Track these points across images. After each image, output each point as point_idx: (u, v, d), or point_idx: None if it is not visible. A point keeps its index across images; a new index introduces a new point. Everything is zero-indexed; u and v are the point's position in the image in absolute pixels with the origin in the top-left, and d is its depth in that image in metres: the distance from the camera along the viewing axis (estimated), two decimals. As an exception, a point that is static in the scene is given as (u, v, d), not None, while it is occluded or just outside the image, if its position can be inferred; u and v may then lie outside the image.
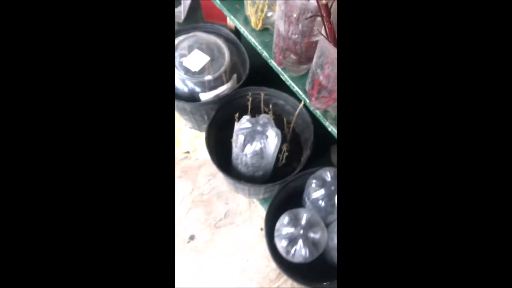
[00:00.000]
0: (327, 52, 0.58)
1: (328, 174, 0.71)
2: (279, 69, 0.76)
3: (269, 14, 0.77)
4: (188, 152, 1.29)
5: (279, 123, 0.94)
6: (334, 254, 0.72)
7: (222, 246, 1.13)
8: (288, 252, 0.66)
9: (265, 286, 1.07)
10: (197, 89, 0.88)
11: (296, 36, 0.66)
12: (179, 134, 1.24)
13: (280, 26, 0.66)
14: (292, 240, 0.66)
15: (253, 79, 0.95)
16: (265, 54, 0.79)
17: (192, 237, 1.14)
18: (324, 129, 0.71)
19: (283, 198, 0.83)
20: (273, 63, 0.77)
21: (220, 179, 1.25)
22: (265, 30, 0.81)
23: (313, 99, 0.69)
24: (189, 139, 1.25)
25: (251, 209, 1.18)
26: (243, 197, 1.20)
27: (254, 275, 1.08)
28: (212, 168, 1.15)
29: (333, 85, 0.63)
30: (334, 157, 1.01)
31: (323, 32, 0.56)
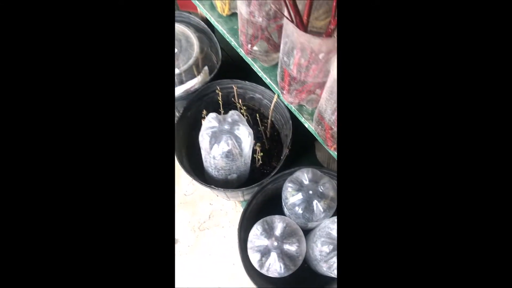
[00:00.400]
0: (292, 36, 0.49)
1: (306, 176, 0.63)
2: (249, 59, 0.67)
3: (234, -4, 0.68)
4: (170, 151, 1.22)
5: (256, 119, 0.86)
6: (316, 265, 0.65)
7: (207, 249, 1.07)
8: (262, 265, 0.59)
9: (253, 291, 1.02)
10: (164, 84, 0.80)
11: (261, 19, 0.57)
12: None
13: (242, 8, 0.57)
14: (265, 253, 0.59)
15: (228, 71, 0.87)
16: (233, 42, 0.70)
17: (175, 241, 1.08)
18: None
19: (261, 202, 0.76)
20: (242, 53, 0.68)
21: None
22: (234, 16, 0.72)
23: (284, 92, 0.60)
24: (170, 137, 1.17)
25: (236, 209, 1.11)
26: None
27: (242, 279, 1.03)
28: (194, 168, 1.08)
29: (305, 75, 0.54)
30: (319, 154, 0.93)
31: (285, 12, 0.47)
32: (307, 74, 0.53)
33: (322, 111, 0.52)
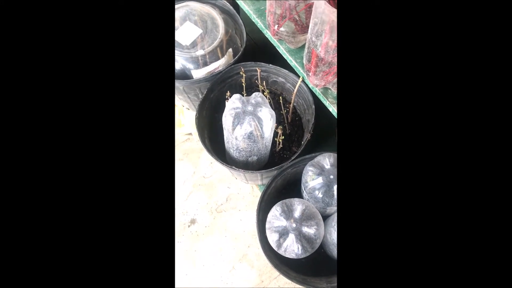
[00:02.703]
0: (324, 16, 0.48)
1: (327, 161, 0.63)
2: (275, 40, 0.67)
3: (263, -25, 0.67)
4: (190, 134, 1.24)
5: (279, 103, 0.85)
6: (332, 249, 0.65)
7: (223, 231, 1.09)
8: (279, 246, 0.60)
9: (266, 273, 1.03)
10: (189, 65, 0.81)
11: (291, -2, 0.56)
12: (181, 115, 1.18)
13: (272, -13, 0.56)
14: (283, 234, 0.60)
15: (252, 54, 0.86)
16: (260, 24, 0.69)
17: (193, 221, 1.12)
18: (330, 111, 0.62)
19: (280, 186, 0.76)
20: (268, 34, 0.68)
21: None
22: (261, -4, 0.71)
23: (311, 74, 0.59)
24: (191, 121, 1.20)
25: (253, 194, 1.13)
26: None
27: (255, 261, 1.05)
28: (213, 151, 1.10)
29: (333, 57, 0.53)
30: (341, 141, 0.91)
31: (318, -10, 0.46)
32: (335, 55, 0.51)
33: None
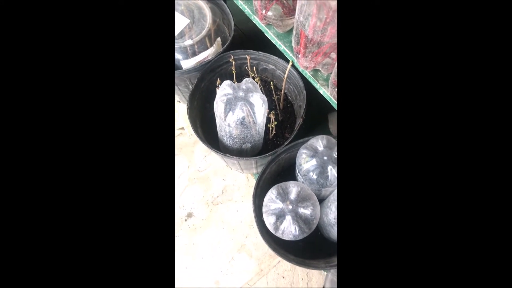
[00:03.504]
0: (310, -5, 0.48)
1: (320, 143, 0.64)
2: (263, 26, 0.67)
3: (248, -41, 0.66)
4: (182, 128, 1.23)
5: (269, 90, 0.85)
6: (330, 230, 0.66)
7: (220, 223, 1.09)
8: (276, 228, 0.61)
9: (265, 262, 1.04)
10: (178, 56, 0.80)
11: (276, -20, 0.56)
12: (172, 109, 1.17)
13: (257, -31, 0.56)
14: (280, 216, 0.60)
15: (241, 43, 0.86)
16: (247, 10, 0.69)
17: (189, 215, 1.11)
18: (321, 96, 0.63)
19: (275, 172, 0.76)
20: (256, 20, 0.68)
21: (216, 156, 1.19)
22: (246, -18, 0.70)
23: (300, 56, 0.60)
24: (183, 114, 1.19)
25: (248, 184, 1.13)
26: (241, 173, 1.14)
27: (253, 251, 1.05)
28: (207, 143, 1.10)
29: (321, 37, 0.53)
30: (332, 127, 0.92)
31: (302, -32, 0.46)
32: (324, 35, 0.52)
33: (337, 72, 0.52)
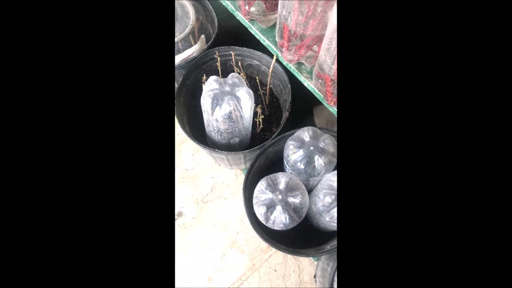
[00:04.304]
0: (291, -11, 0.50)
1: (307, 134, 0.65)
2: (247, 21, 0.68)
3: (229, -44, 0.67)
4: (168, 128, 1.23)
5: (255, 86, 0.87)
6: (318, 219, 0.68)
7: (211, 220, 1.10)
8: (267, 219, 0.62)
9: (257, 257, 1.05)
10: (162, 54, 0.80)
11: (258, -24, 0.57)
12: (157, 109, 1.16)
13: (239, -35, 0.57)
14: (270, 206, 0.62)
15: (225, 40, 0.87)
16: (230, 6, 0.70)
17: (179, 214, 1.11)
18: (305, 90, 0.64)
19: (264, 165, 0.78)
20: (239, 16, 0.69)
21: (204, 154, 1.20)
22: (229, -21, 0.72)
23: (284, 50, 0.61)
24: (168, 114, 1.18)
25: (238, 181, 1.14)
26: (229, 169, 1.15)
27: (245, 247, 1.06)
28: (194, 142, 1.10)
29: (304, 30, 0.55)
30: (317, 120, 0.95)
31: (283, -37, 0.47)
32: (306, 28, 0.54)
33: (321, 63, 0.54)
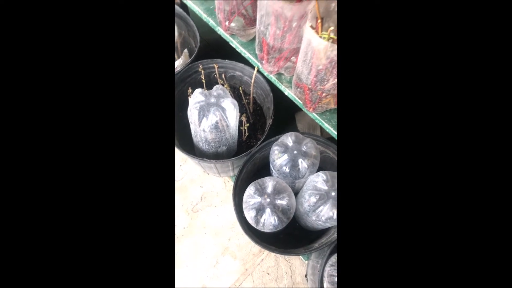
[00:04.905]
0: (268, 8, 0.54)
1: (290, 139, 0.70)
2: (227, 36, 0.72)
3: (209, -24, 0.72)
4: (155, 140, 1.24)
5: (239, 96, 0.91)
6: (306, 219, 0.71)
7: (202, 229, 1.11)
8: (257, 222, 0.65)
9: (249, 262, 1.07)
10: (147, 69, 0.83)
11: (237, -5, 0.61)
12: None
13: (218, -14, 0.61)
14: (260, 210, 0.65)
15: (207, 53, 0.90)
16: (211, 22, 0.74)
17: (170, 225, 1.12)
18: (287, 97, 0.69)
19: (252, 170, 0.81)
20: (220, 31, 0.73)
21: (192, 164, 1.22)
22: (209, -4, 0.76)
23: (264, 62, 0.65)
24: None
25: (227, 188, 1.16)
26: (218, 178, 1.17)
27: (237, 252, 1.08)
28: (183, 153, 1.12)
29: (281, 44, 0.59)
30: (300, 125, 0.99)
31: (259, -16, 0.52)
32: (284, 42, 0.58)
33: (299, 73, 0.58)
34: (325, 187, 0.64)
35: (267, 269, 1.08)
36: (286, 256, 1.09)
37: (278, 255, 1.09)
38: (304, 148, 0.69)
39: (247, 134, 0.84)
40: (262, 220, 0.65)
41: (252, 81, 0.78)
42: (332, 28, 0.46)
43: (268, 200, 0.65)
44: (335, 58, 0.48)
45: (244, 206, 0.67)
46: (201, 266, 1.06)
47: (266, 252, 1.09)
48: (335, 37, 0.48)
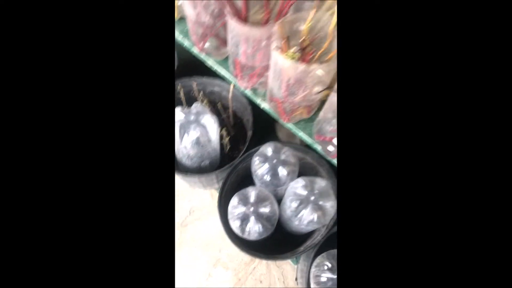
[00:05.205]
0: (237, 30, 0.58)
1: (269, 149, 0.73)
2: (202, 56, 0.76)
3: (180, 2, 0.76)
4: (140, 158, 1.25)
5: (219, 110, 0.94)
6: (290, 224, 0.75)
7: (192, 242, 1.12)
8: (243, 231, 0.68)
9: (242, 271, 1.09)
10: (127, 91, 0.85)
11: (208, 19, 0.66)
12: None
13: (190, 12, 0.65)
14: (244, 219, 0.68)
15: (186, 71, 0.94)
16: (186, 43, 0.77)
17: (160, 242, 1.13)
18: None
19: (236, 181, 0.84)
20: (196, 51, 0.76)
21: (178, 179, 1.23)
22: (182, 20, 0.79)
23: (238, 79, 0.69)
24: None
25: (213, 201, 1.18)
26: (205, 191, 1.19)
27: (229, 263, 1.10)
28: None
29: (253, 62, 0.63)
30: (280, 134, 1.04)
31: (227, 10, 0.56)
32: (255, 60, 0.62)
33: (271, 88, 0.62)
34: (305, 192, 0.68)
35: (259, 277, 1.10)
36: (278, 263, 1.12)
37: (270, 262, 1.12)
38: (282, 157, 0.73)
39: (229, 146, 0.87)
40: (247, 228, 0.68)
41: (230, 97, 0.82)
42: (294, 48, 0.50)
43: (251, 209, 0.68)
44: (301, 74, 0.53)
45: (229, 216, 0.70)
46: (194, 280, 1.07)
47: (257, 260, 1.11)
48: (299, 55, 0.53)
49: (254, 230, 0.67)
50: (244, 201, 0.69)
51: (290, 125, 0.69)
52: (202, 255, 1.10)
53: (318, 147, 0.65)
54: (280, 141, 0.89)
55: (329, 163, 0.83)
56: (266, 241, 0.80)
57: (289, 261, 1.08)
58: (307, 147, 0.83)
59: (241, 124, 0.95)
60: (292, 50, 0.49)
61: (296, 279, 1.00)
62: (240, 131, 0.94)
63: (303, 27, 0.53)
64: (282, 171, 0.71)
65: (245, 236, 0.68)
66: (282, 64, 0.52)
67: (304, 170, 0.88)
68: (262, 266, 1.12)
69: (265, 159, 0.73)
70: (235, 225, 0.68)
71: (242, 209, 0.68)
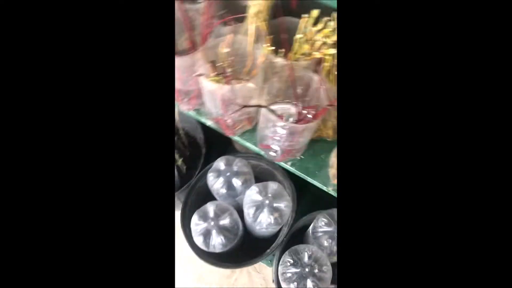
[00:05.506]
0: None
1: (222, 163, 0.77)
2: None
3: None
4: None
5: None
6: (253, 230, 0.79)
7: (177, 260, 1.13)
8: (207, 245, 0.71)
9: (224, 284, 1.11)
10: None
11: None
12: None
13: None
14: (207, 234, 0.71)
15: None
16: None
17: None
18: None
19: (197, 200, 0.87)
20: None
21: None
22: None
23: (179, 103, 0.73)
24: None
25: (186, 220, 1.20)
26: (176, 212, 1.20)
27: (210, 278, 1.12)
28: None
29: (188, 87, 0.68)
30: (237, 145, 1.08)
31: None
32: (189, 85, 0.67)
33: (209, 108, 0.67)
34: (260, 198, 0.73)
35: (243, 285, 1.13)
36: (258, 268, 1.15)
37: (250, 270, 1.14)
38: (235, 168, 0.77)
39: (185, 166, 0.90)
40: (211, 243, 0.71)
41: (176, 118, 0.86)
42: (215, 73, 0.55)
43: (212, 223, 0.71)
44: (229, 94, 0.58)
45: (193, 234, 0.72)
46: (177, 303, 1.07)
47: (237, 270, 1.14)
48: (222, 77, 0.58)
49: (217, 242, 0.70)
50: (204, 217, 0.72)
51: (236, 138, 0.74)
52: (183, 270, 1.11)
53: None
54: (236, 153, 0.94)
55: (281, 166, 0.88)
56: (236, 250, 0.84)
57: (261, 264, 1.12)
58: (260, 154, 0.88)
59: (195, 142, 0.99)
60: (212, 74, 0.54)
61: (273, 281, 1.04)
62: (195, 150, 0.97)
63: (222, 51, 0.58)
64: (237, 182, 0.76)
65: (211, 250, 0.71)
66: (210, 87, 0.57)
67: (261, 176, 0.93)
68: (243, 275, 1.14)
69: (219, 173, 0.77)
70: (199, 241, 0.71)
71: (203, 225, 0.71)
